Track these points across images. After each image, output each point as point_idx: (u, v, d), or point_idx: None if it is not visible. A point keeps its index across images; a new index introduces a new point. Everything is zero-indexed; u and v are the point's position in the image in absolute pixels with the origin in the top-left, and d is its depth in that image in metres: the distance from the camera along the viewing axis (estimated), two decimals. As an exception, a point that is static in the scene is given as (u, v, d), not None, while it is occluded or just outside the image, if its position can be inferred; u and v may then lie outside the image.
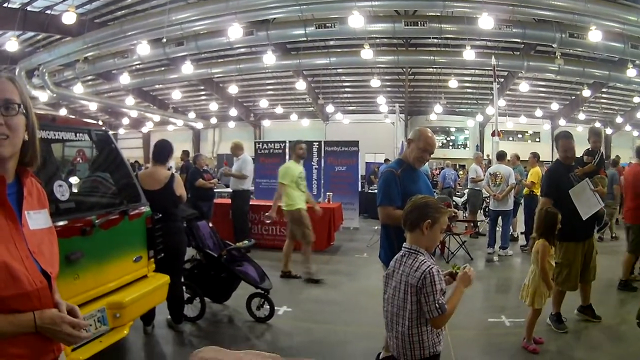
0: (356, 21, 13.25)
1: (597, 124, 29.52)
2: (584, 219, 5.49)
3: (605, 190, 6.04)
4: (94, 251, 3.86)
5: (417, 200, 3.03)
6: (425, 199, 3.04)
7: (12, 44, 15.96)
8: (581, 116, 29.61)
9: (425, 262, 2.79)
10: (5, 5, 15.31)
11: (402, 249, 2.97)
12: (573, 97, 27.90)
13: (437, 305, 2.68)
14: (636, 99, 25.23)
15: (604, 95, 27.00)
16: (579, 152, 6.35)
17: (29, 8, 15.93)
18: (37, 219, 1.74)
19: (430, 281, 2.70)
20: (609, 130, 30.52)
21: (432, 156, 4.36)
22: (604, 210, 5.74)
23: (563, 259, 5.55)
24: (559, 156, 5.96)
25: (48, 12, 16.46)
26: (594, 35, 12.87)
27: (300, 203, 8.19)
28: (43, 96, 22.70)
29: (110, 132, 4.91)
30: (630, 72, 16.80)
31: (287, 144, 13.48)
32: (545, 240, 4.94)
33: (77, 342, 1.72)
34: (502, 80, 24.44)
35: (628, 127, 30.46)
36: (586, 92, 24.04)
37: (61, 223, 3.60)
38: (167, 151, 5.66)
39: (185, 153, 14.15)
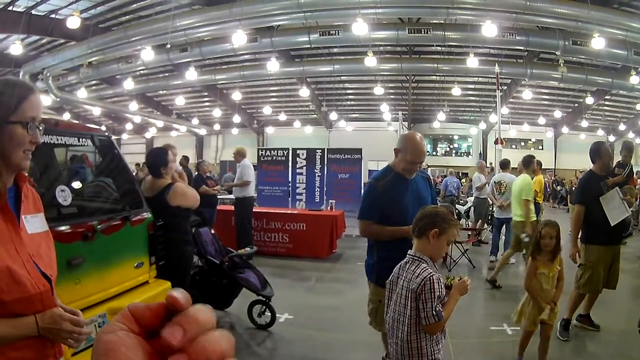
0: (360, 28, 13.27)
1: (600, 132, 29.55)
2: (612, 225, 5.58)
3: (634, 199, 6.14)
4: (95, 256, 3.84)
5: (428, 209, 3.08)
6: (436, 209, 3.07)
7: (16, 48, 16.06)
8: (584, 124, 29.61)
9: (427, 269, 2.80)
10: (10, 8, 15.40)
11: (407, 255, 2.98)
12: (576, 105, 27.94)
13: (434, 312, 2.69)
14: (639, 106, 25.23)
15: (607, 103, 26.98)
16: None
17: (33, 12, 16.03)
18: (34, 223, 1.76)
19: (430, 288, 2.70)
20: (611, 138, 30.52)
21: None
22: (631, 219, 5.87)
23: (586, 261, 5.67)
24: (594, 167, 6.01)
25: (52, 16, 16.56)
26: (597, 43, 12.82)
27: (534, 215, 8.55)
28: (47, 100, 22.74)
29: (113, 137, 4.89)
30: (634, 79, 16.83)
31: (290, 151, 13.47)
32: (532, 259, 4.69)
33: (79, 340, 1.73)
34: (505, 87, 24.46)
35: (631, 135, 30.34)
36: (589, 100, 24.11)
37: (63, 228, 3.60)
38: (159, 163, 5.18)
39: (185, 159, 13.73)
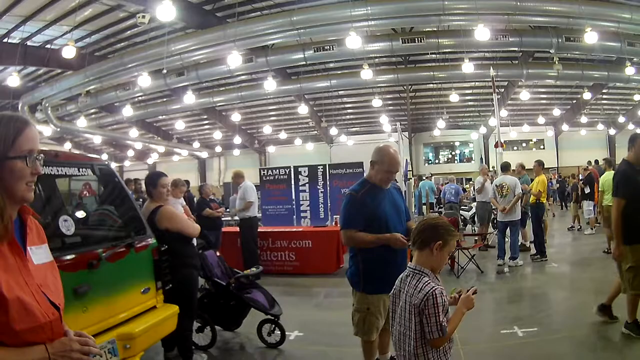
0: (354, 42, 13.33)
1: (600, 126, 29.50)
2: None
3: None
4: (101, 284, 3.87)
5: (430, 220, 3.03)
6: (437, 220, 3.01)
7: (13, 79, 16.27)
8: (583, 119, 29.61)
9: (429, 283, 2.74)
10: (5, 40, 15.56)
11: (407, 268, 2.93)
12: (574, 101, 28.01)
13: (438, 326, 2.66)
14: (637, 97, 25.33)
15: (604, 97, 27.12)
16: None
17: (28, 43, 16.20)
18: (39, 254, 1.80)
19: (433, 303, 2.65)
20: (612, 131, 30.52)
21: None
22: None
23: (637, 262, 5.28)
24: (628, 156, 5.64)
25: (48, 46, 16.74)
26: (590, 37, 12.79)
27: None
28: (47, 130, 22.95)
29: (115, 165, 4.92)
30: (629, 70, 16.82)
31: (292, 169, 13.43)
32: None
33: None
34: (503, 90, 24.54)
35: (631, 126, 30.30)
36: (587, 95, 24.11)
37: (68, 257, 3.62)
38: (150, 185, 5.25)
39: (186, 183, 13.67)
